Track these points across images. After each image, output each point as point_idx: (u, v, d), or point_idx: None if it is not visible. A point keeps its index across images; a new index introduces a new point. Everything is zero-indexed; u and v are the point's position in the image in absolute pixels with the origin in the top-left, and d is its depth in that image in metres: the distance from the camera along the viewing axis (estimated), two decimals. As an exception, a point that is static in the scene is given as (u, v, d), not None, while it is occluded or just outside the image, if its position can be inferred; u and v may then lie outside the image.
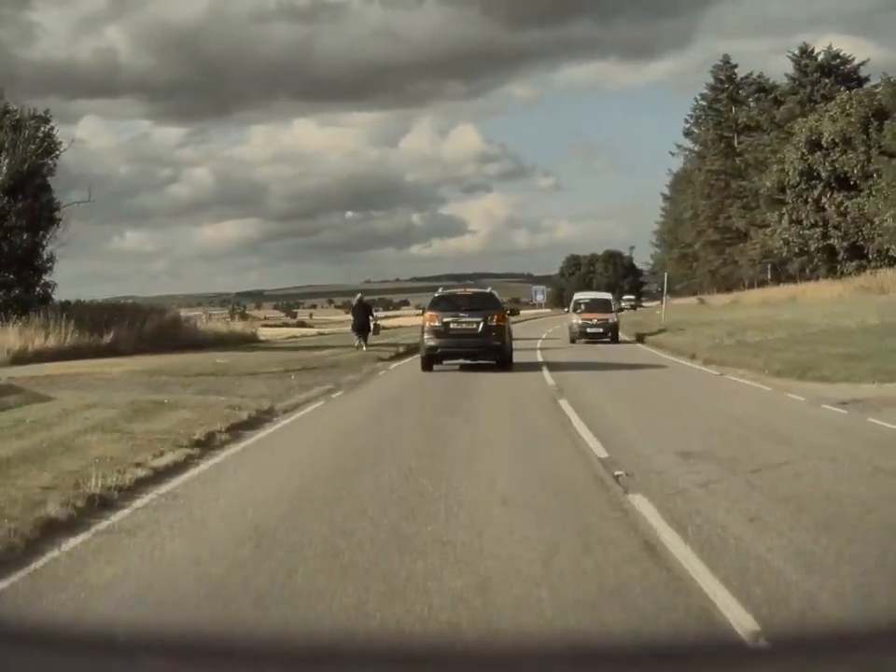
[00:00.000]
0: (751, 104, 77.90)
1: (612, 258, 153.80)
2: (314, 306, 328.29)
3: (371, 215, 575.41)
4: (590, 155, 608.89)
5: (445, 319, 22.61)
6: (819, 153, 54.64)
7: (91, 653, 1.75)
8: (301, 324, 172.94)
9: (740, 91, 78.93)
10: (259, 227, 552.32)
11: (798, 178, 54.74)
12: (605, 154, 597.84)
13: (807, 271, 63.41)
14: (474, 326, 22.67)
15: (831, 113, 55.15)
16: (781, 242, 56.39)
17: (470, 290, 26.00)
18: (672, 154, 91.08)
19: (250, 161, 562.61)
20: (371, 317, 33.97)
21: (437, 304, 23.44)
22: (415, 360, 28.06)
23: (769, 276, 74.44)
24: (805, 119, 57.22)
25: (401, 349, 31.35)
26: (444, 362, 23.24)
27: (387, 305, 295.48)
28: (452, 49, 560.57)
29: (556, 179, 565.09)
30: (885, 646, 1.74)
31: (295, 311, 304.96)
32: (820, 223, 54.66)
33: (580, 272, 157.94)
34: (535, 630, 4.70)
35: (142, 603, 5.22)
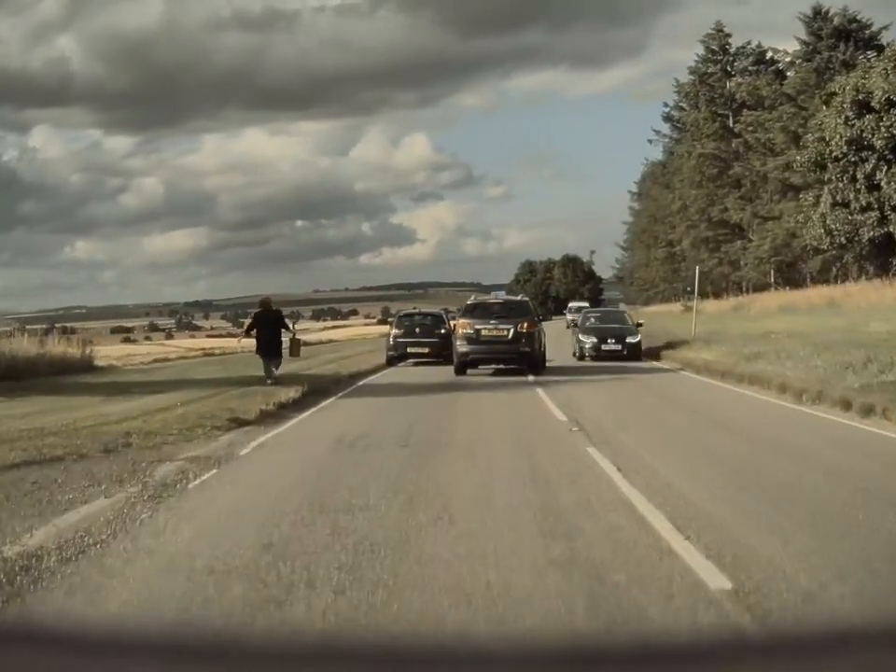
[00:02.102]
0: (747, 77, 64.57)
1: (571, 263, 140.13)
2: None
3: (320, 224, 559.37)
4: (541, 164, 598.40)
5: (477, 326, 22.18)
6: (869, 117, 41.15)
7: (91, 653, 1.54)
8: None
9: (735, 64, 65.63)
10: (209, 236, 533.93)
11: (845, 149, 41.11)
12: (556, 163, 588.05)
13: (835, 270, 50.01)
14: (505, 332, 22.06)
15: (879, 68, 41.73)
16: (822, 231, 42.57)
17: (502, 298, 26.73)
18: (650, 142, 77.89)
19: (200, 170, 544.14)
20: (287, 331, 20.39)
21: (470, 312, 23.10)
22: (329, 416, 14.00)
23: (773, 279, 61.03)
24: (845, 78, 43.75)
25: (303, 388, 16.96)
26: (480, 367, 22.57)
27: (336, 315, 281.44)
28: (403, 58, 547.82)
29: (507, 188, 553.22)
30: (887, 645, 1.57)
31: (242, 321, 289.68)
32: (875, 205, 41.10)
33: (535, 278, 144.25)
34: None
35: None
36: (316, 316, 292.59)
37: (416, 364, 26.61)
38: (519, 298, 25.93)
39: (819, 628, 4.08)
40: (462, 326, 22.33)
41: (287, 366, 21.41)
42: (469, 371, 22.26)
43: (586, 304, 60.77)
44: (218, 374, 21.64)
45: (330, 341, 48.92)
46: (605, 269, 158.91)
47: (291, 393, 15.93)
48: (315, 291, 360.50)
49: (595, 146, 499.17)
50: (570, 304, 58.97)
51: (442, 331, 26.45)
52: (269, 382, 19.27)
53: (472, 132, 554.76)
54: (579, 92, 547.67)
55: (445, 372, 23.47)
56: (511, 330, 21.90)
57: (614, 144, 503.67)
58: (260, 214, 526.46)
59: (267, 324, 20.43)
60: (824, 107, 52.91)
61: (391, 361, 26.33)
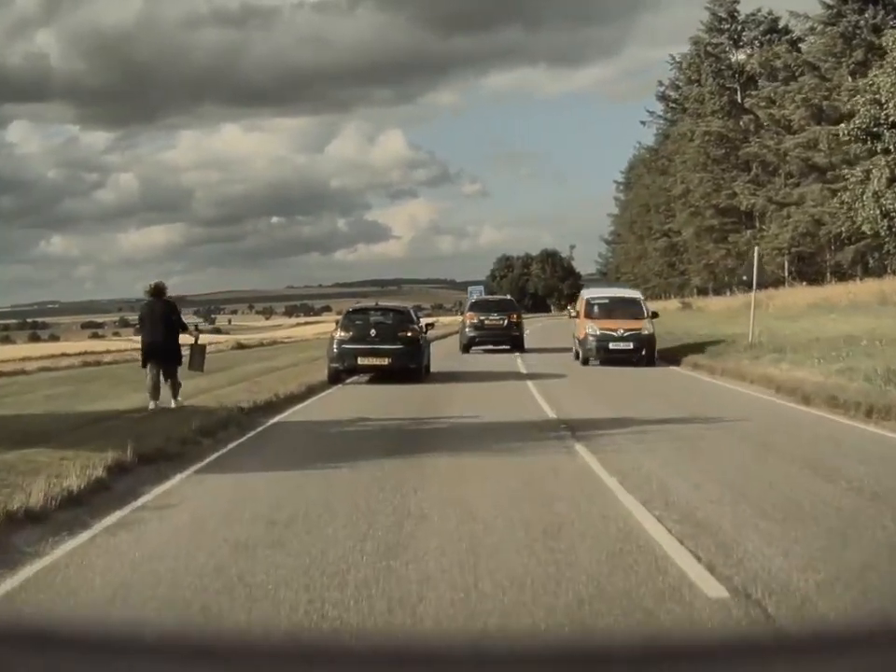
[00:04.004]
0: (757, 49, 56.30)
1: (550, 258, 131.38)
2: (234, 312, 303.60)
3: (296, 220, 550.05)
4: (517, 161, 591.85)
5: (481, 317, 28.12)
6: (934, 73, 32.83)
7: (91, 653, 1.52)
8: (217, 330, 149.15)
9: (743, 34, 57.25)
10: (185, 232, 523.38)
11: (906, 111, 32.72)
12: (533, 160, 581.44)
13: (871, 261, 41.93)
14: (501, 322, 28.14)
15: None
16: (877, 212, 34.08)
17: (497, 297, 35.42)
18: (643, 123, 69.76)
19: (177, 166, 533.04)
20: (183, 331, 13.70)
21: (474, 307, 29.09)
22: (96, 571, 4.74)
23: (786, 272, 52.84)
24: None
25: (125, 453, 8.32)
26: (474, 348, 27.75)
27: (309, 311, 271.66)
28: (381, 56, 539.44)
29: (482, 185, 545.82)
30: (886, 645, 1.53)
31: (214, 316, 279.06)
32: (947, 181, 32.80)
33: (512, 274, 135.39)
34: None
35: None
36: (289, 312, 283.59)
37: (371, 381, 18.05)
38: (508, 297, 34.01)
39: (818, 627, 4.05)
40: (469, 317, 28.46)
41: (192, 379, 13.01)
42: (449, 396, 14.63)
43: (626, 291, 27.79)
44: (35, 408, 12.88)
45: (274, 343, 39.66)
46: (584, 265, 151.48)
47: (69, 481, 7.18)
48: (288, 287, 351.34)
49: (572, 143, 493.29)
50: (587, 293, 25.90)
51: (409, 335, 17.86)
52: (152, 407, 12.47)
53: (449, 129, 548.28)
54: (555, 91, 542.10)
55: (410, 396, 14.95)
56: (506, 320, 28.34)
57: (592, 141, 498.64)
58: (236, 210, 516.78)
59: (156, 319, 13.13)
60: (850, 77, 44.92)
61: (335, 377, 17.67)
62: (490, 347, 27.77)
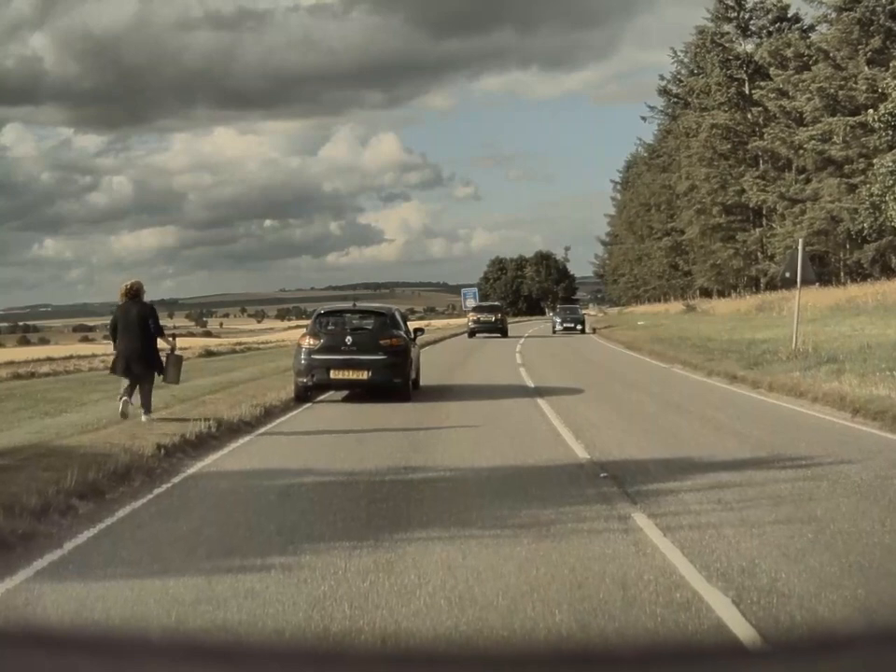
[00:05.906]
0: (765, 39, 53.05)
1: (544, 260, 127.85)
2: (226, 315, 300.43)
3: (288, 223, 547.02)
4: (510, 164, 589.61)
5: (479, 316, 41.90)
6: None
7: (91, 653, 1.46)
8: (208, 334, 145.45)
9: (751, 23, 53.99)
10: (177, 235, 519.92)
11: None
12: (526, 163, 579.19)
13: (894, 259, 38.78)
14: (492, 319, 41.29)
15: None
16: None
17: (489, 303, 52.32)
18: (643, 119, 66.63)
19: (169, 169, 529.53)
20: (160, 337, 11.39)
21: (474, 309, 43.89)
22: None
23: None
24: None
25: None
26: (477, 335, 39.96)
27: (301, 314, 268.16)
28: (374, 59, 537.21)
29: (475, 188, 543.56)
30: (883, 646, 1.48)
31: (206, 320, 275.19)
32: None
33: (506, 276, 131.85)
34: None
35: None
36: (282, 315, 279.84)
37: (347, 398, 14.74)
38: (496, 303, 52.05)
39: (815, 627, 3.99)
40: (471, 316, 42.74)
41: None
42: (442, 421, 11.36)
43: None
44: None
45: (248, 349, 36.01)
46: (579, 267, 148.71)
47: None
48: (281, 290, 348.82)
49: (563, 146, 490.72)
50: None
51: (392, 343, 14.48)
52: (145, 417, 10.71)
53: (441, 132, 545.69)
54: (547, 93, 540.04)
55: (392, 422, 11.61)
56: (494, 318, 41.73)
57: (583, 143, 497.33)
58: (228, 213, 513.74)
59: (132, 324, 11.05)
60: (867, 66, 41.85)
61: (302, 394, 14.32)
62: (486, 335, 39.73)
